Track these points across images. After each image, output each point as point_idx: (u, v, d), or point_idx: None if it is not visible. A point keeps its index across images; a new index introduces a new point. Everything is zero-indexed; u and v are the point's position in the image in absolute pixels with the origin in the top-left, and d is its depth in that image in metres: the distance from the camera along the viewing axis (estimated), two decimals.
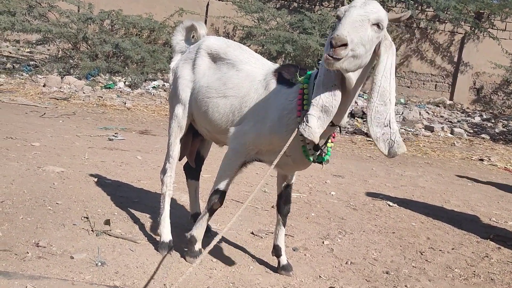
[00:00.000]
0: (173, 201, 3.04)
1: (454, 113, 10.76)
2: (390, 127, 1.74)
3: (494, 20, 11.74)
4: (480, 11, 11.75)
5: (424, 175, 5.35)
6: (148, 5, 12.06)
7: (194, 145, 2.73)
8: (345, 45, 1.59)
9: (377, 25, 1.67)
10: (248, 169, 4.27)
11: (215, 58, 2.41)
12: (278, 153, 2.07)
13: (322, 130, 1.77)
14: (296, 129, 1.82)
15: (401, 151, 1.75)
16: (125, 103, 7.95)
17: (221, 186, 2.19)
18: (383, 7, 1.74)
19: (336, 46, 1.59)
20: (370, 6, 1.67)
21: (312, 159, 1.96)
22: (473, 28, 11.81)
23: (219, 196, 2.19)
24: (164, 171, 2.56)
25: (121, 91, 9.00)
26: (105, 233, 2.49)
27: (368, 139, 7.59)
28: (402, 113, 9.84)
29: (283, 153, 1.83)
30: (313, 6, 12.65)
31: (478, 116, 10.52)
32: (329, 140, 2.01)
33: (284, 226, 2.40)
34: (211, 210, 2.24)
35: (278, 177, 2.37)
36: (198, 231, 2.31)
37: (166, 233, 2.48)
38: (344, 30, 1.60)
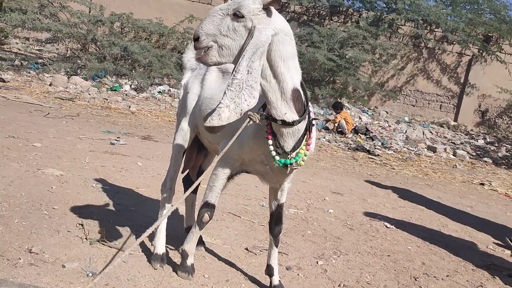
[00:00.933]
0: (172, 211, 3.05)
1: (457, 134, 10.75)
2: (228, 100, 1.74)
3: (502, 44, 11.77)
4: (489, 34, 11.79)
5: (423, 196, 5.32)
6: (159, 9, 12.16)
7: (198, 159, 2.74)
8: (199, 39, 1.79)
9: (234, 14, 1.76)
10: (247, 182, 4.30)
11: (224, 72, 2.45)
12: (261, 162, 2.07)
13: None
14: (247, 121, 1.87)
15: (212, 123, 1.74)
16: (129, 107, 7.99)
17: (210, 199, 2.18)
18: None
19: (194, 41, 1.80)
20: (235, 0, 1.79)
21: (279, 163, 1.94)
22: (481, 51, 11.84)
23: (208, 210, 2.19)
24: (165, 184, 2.57)
25: (126, 94, 9.05)
26: (98, 242, 2.49)
27: (370, 156, 7.58)
28: (406, 131, 9.83)
29: (236, 137, 1.87)
30: (323, 20, 12.72)
31: (482, 139, 10.51)
32: (302, 147, 1.96)
33: (277, 246, 2.39)
34: (201, 224, 2.23)
35: (270, 195, 2.35)
36: (189, 246, 2.30)
37: (160, 246, 2.47)
38: (199, 27, 1.80)
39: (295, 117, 1.86)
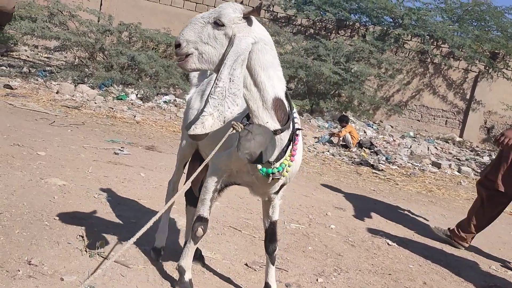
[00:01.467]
0: (171, 224, 3.04)
1: (463, 150, 10.70)
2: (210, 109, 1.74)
3: (509, 61, 11.77)
4: (496, 51, 11.79)
5: (427, 214, 5.29)
6: (167, 20, 12.30)
7: (200, 174, 2.75)
8: (180, 45, 1.82)
9: (215, 22, 1.79)
10: (249, 195, 4.28)
11: None
12: (247, 172, 2.07)
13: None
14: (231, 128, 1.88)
15: (196, 132, 1.74)
16: (134, 116, 8.02)
17: (202, 212, 2.19)
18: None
19: (175, 48, 1.84)
20: (217, 9, 1.83)
21: (262, 172, 1.95)
22: (487, 68, 11.84)
23: (201, 224, 2.19)
24: (169, 184, 2.82)
25: (132, 103, 9.09)
26: (98, 254, 2.49)
27: (373, 171, 7.56)
28: (411, 146, 9.79)
29: (219, 146, 1.85)
30: (329, 34, 12.78)
31: (487, 155, 10.45)
32: (286, 157, 1.97)
33: (273, 264, 2.38)
34: (195, 238, 2.23)
35: (263, 212, 2.35)
36: (185, 261, 2.30)
37: (160, 239, 2.63)
38: (180, 34, 1.84)
39: (277, 126, 1.87)
